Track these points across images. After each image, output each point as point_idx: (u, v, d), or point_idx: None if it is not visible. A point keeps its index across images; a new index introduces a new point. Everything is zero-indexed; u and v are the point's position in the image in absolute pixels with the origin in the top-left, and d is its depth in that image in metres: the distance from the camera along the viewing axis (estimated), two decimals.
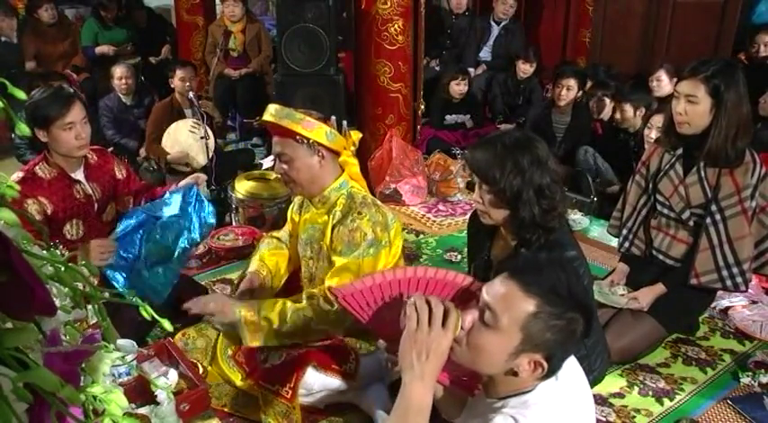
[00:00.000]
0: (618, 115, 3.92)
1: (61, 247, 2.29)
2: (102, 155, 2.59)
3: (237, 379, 2.25)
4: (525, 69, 5.28)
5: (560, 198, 1.79)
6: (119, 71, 4.62)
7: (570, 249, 1.82)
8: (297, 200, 2.44)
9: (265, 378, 2.13)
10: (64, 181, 2.39)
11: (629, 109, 3.88)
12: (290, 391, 2.07)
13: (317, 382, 2.14)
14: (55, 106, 2.30)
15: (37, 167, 2.37)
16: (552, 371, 1.25)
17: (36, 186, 2.33)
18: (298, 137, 2.06)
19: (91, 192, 2.48)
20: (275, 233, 2.57)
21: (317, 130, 2.07)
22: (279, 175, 2.26)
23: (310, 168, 2.12)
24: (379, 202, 2.22)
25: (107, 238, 2.41)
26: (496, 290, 1.23)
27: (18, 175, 2.36)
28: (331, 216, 2.16)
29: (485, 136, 1.99)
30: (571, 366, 1.39)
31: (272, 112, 2.09)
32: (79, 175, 2.45)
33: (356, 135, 2.26)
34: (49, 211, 2.33)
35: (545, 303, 1.19)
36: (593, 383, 2.03)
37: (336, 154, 2.18)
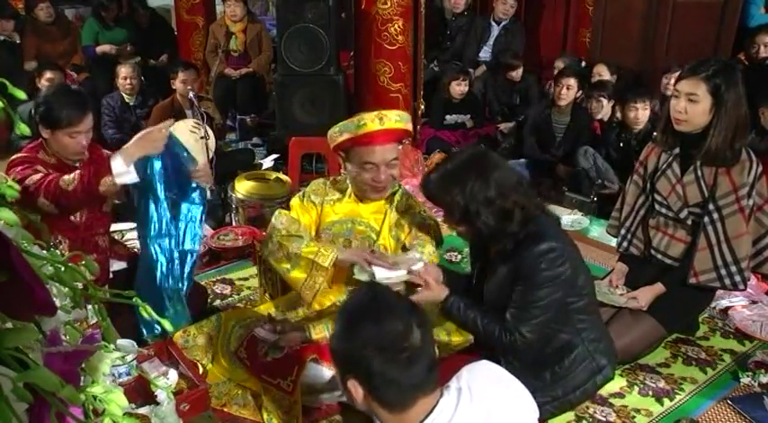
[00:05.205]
0: (638, 114, 3.80)
1: (62, 247, 2.29)
2: (95, 149, 2.57)
3: (239, 375, 2.26)
4: (514, 75, 5.33)
5: (516, 202, 1.84)
6: (123, 71, 4.63)
7: (549, 241, 1.84)
8: (318, 190, 2.35)
9: (267, 372, 2.14)
10: (64, 169, 2.39)
11: (642, 107, 3.80)
12: (292, 385, 2.08)
13: (318, 375, 2.15)
14: (69, 112, 2.28)
15: (39, 153, 2.36)
16: (384, 399, 1.23)
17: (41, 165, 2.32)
18: (406, 137, 2.17)
19: None
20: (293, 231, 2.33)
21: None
22: (378, 183, 2.17)
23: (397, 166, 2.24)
24: None
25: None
26: None
27: (21, 153, 2.34)
28: (390, 211, 2.22)
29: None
30: (500, 393, 1.33)
31: (397, 119, 2.14)
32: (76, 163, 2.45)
33: None
34: None
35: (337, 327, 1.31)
36: (603, 382, 2.04)
37: None
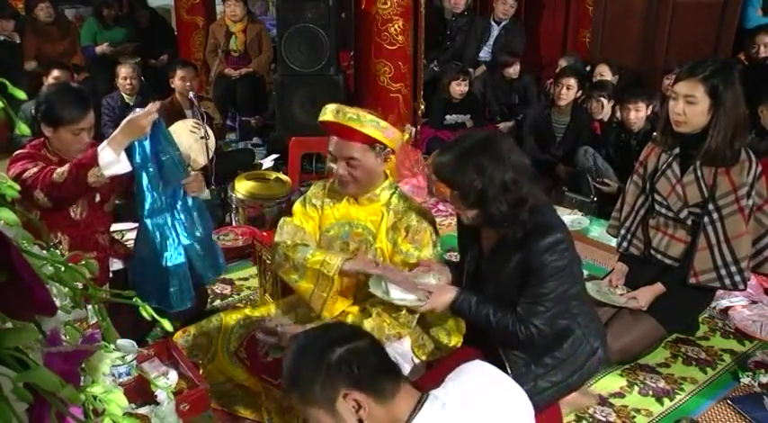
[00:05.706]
0: (630, 115, 3.80)
1: (62, 247, 2.29)
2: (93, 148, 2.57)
3: (239, 375, 2.25)
4: (511, 72, 5.32)
5: (528, 190, 1.81)
6: (123, 71, 4.63)
7: (555, 232, 1.82)
8: (318, 193, 2.30)
9: (267, 372, 2.14)
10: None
11: (642, 108, 3.79)
12: None
13: None
14: (71, 110, 2.29)
15: (41, 151, 2.37)
16: (375, 388, 1.23)
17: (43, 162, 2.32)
18: (378, 144, 2.05)
19: None
20: (299, 240, 2.29)
21: (395, 137, 2.08)
22: (338, 177, 2.11)
23: (373, 170, 2.11)
24: None
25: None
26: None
27: (25, 150, 2.35)
28: (387, 214, 2.16)
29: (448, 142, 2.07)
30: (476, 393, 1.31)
31: (352, 117, 2.01)
32: None
33: (406, 135, 2.28)
34: None
35: (294, 389, 1.29)
36: (598, 365, 2.03)
37: None
